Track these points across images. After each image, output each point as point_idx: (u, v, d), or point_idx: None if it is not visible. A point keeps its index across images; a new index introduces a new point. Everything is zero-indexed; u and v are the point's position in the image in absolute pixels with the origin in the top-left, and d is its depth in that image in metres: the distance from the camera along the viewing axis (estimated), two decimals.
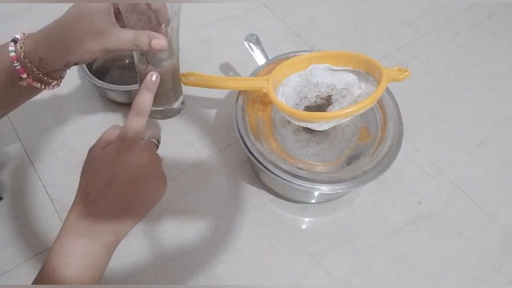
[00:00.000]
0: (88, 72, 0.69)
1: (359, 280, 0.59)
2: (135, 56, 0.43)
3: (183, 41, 0.74)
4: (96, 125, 0.70)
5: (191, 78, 0.58)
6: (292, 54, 0.65)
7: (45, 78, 0.45)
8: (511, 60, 0.84)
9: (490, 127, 0.75)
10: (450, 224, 0.64)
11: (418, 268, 0.60)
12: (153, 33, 0.40)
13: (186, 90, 0.74)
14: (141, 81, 0.41)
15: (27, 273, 0.57)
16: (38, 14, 0.85)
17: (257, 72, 0.64)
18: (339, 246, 0.61)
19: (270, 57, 0.66)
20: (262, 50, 0.66)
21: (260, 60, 0.65)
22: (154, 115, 0.51)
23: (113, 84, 0.68)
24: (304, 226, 0.64)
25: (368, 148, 0.59)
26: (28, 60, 0.43)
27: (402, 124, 0.60)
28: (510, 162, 0.71)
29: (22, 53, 0.43)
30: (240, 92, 0.61)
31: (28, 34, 0.44)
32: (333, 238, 0.62)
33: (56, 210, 0.62)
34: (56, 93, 0.73)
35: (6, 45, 0.43)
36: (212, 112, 0.73)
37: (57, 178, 0.65)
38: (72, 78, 0.76)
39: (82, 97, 0.74)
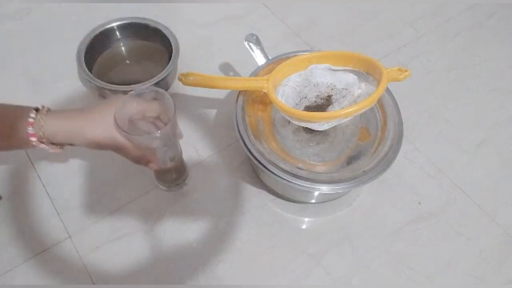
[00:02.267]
0: (88, 72, 0.69)
1: (359, 280, 0.59)
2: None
3: (183, 41, 0.74)
4: None
5: (191, 78, 0.58)
6: (292, 54, 0.65)
7: (51, 145, 0.50)
8: (511, 60, 0.84)
9: (490, 127, 0.75)
10: (450, 224, 0.64)
11: (418, 268, 0.60)
12: (150, 158, 0.52)
13: (186, 90, 0.75)
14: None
15: (27, 273, 0.57)
16: (38, 14, 0.85)
17: (257, 72, 0.64)
18: (339, 246, 0.61)
19: (270, 57, 0.66)
20: (262, 50, 0.66)
21: (260, 60, 0.65)
22: (161, 187, 0.63)
23: (113, 84, 0.68)
24: (304, 226, 0.64)
25: (368, 148, 0.59)
26: (42, 133, 0.47)
27: (402, 124, 0.60)
28: (510, 162, 0.71)
29: (42, 133, 0.47)
30: (240, 92, 0.61)
31: (47, 109, 0.49)
32: (333, 238, 0.62)
33: (56, 210, 0.62)
34: (56, 93, 0.74)
35: (28, 109, 0.47)
36: (212, 112, 0.73)
37: (57, 178, 0.65)
38: (72, 78, 0.76)
39: (82, 97, 0.74)
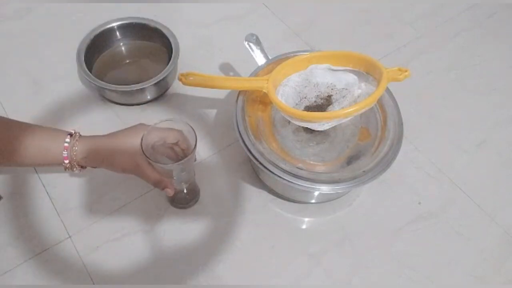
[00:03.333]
0: (88, 72, 0.69)
1: (359, 280, 0.59)
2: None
3: (183, 41, 0.74)
4: (96, 125, 0.70)
5: (191, 78, 0.58)
6: (292, 54, 0.65)
7: (77, 166, 0.54)
8: (511, 60, 0.84)
9: (490, 127, 0.75)
10: (450, 224, 0.64)
11: (418, 268, 0.60)
12: (167, 184, 0.54)
13: (186, 90, 0.75)
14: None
15: (27, 273, 0.57)
16: (38, 14, 0.85)
17: (257, 72, 0.64)
18: (339, 246, 0.61)
19: (270, 57, 0.66)
20: (262, 50, 0.66)
21: (260, 60, 0.65)
22: (174, 204, 0.64)
23: (113, 84, 0.68)
24: (304, 226, 0.64)
25: (368, 148, 0.59)
26: (75, 156, 0.52)
27: (402, 124, 0.60)
28: (510, 162, 0.71)
29: (74, 156, 0.52)
30: (240, 92, 0.61)
31: (79, 135, 0.53)
32: (333, 238, 0.62)
33: (56, 210, 0.62)
34: (56, 93, 0.74)
35: (63, 134, 0.52)
36: (212, 112, 0.73)
37: (57, 178, 0.65)
38: (72, 78, 0.76)
39: (82, 97, 0.74)
